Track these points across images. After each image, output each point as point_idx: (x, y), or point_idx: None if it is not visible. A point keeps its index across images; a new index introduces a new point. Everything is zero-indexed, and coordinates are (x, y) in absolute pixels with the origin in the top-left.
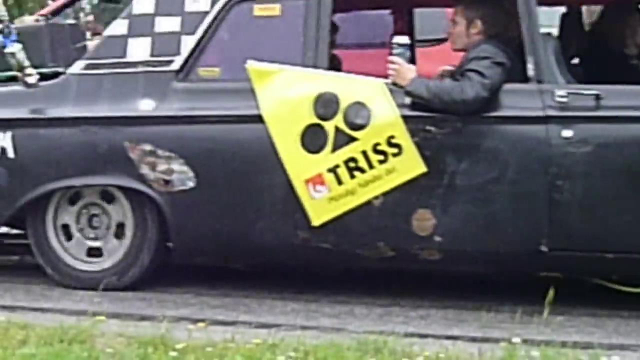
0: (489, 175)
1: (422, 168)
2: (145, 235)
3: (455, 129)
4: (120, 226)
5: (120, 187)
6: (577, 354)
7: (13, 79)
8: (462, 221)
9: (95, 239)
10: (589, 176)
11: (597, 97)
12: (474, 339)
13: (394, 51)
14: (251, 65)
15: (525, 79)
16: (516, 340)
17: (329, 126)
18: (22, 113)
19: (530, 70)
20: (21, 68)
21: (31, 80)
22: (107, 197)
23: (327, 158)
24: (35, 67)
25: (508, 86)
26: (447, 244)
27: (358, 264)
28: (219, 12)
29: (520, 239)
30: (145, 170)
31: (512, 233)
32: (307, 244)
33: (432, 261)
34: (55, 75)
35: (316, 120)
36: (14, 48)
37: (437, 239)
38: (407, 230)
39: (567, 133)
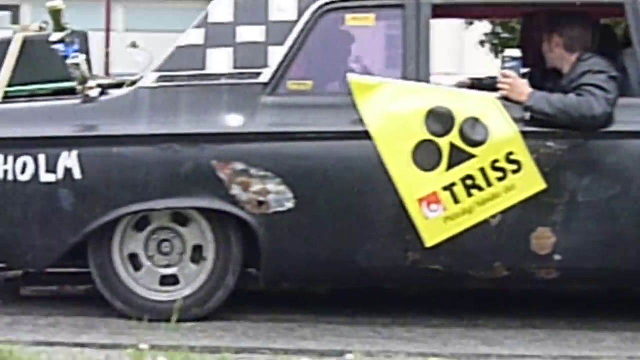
0: (612, 191)
1: (541, 185)
2: (229, 257)
3: (576, 144)
4: (197, 249)
5: (202, 209)
6: (205, 358)
7: (57, 92)
8: (583, 239)
9: (168, 265)
10: None
11: None
12: (103, 346)
13: (506, 64)
14: (353, 78)
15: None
16: (144, 346)
17: (444, 142)
18: (89, 130)
19: None
20: (84, 80)
21: (93, 93)
22: (180, 219)
23: (442, 176)
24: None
25: (624, 100)
26: (566, 262)
27: (467, 285)
28: (307, 22)
29: None
30: (236, 190)
31: (636, 250)
32: (416, 265)
33: (547, 280)
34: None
35: (429, 137)
36: (78, 59)
37: (557, 257)
38: (526, 249)
39: None
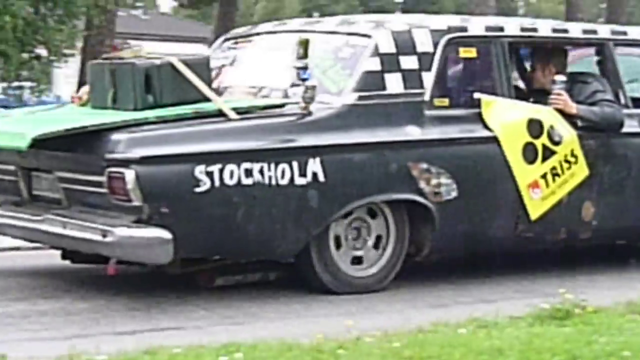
0: (623, 173)
1: (586, 172)
2: (402, 246)
3: (604, 142)
4: (378, 238)
5: (395, 201)
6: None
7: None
8: (609, 208)
9: (358, 249)
10: None
11: None
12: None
13: (557, 86)
14: (480, 96)
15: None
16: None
17: (539, 143)
18: (329, 140)
19: (625, 99)
20: (311, 100)
21: (306, 110)
22: (371, 213)
23: (539, 167)
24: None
25: (625, 111)
26: (599, 225)
27: (540, 247)
28: (441, 54)
29: None
30: (422, 184)
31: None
32: (521, 234)
33: (584, 239)
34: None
35: (530, 139)
36: (314, 81)
37: (594, 222)
38: (578, 218)
39: None
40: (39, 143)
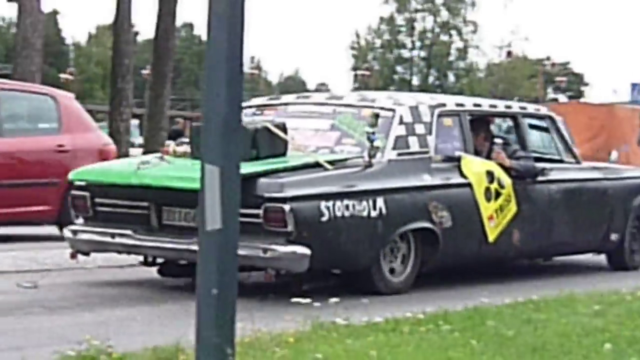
0: (539, 207)
1: (515, 208)
2: (418, 262)
3: (525, 187)
4: (403, 256)
5: (415, 229)
6: None
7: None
8: (528, 233)
9: (392, 262)
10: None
11: None
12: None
13: (497, 147)
14: (460, 154)
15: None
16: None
17: (492, 187)
18: (387, 184)
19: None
20: (374, 156)
21: (370, 163)
22: (401, 237)
23: (493, 204)
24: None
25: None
26: (522, 246)
27: (492, 262)
28: (436, 123)
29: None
30: (434, 217)
31: (549, 234)
32: (482, 253)
33: (511, 257)
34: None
35: (488, 185)
36: (379, 142)
37: (518, 244)
38: (510, 241)
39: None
40: None
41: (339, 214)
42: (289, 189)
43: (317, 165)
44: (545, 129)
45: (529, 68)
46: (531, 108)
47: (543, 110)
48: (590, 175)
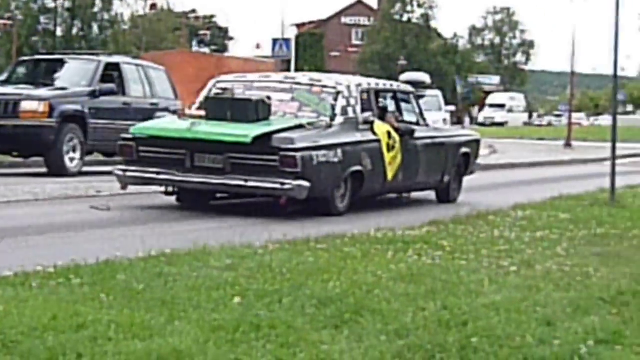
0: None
1: (400, 157)
2: (351, 194)
3: (406, 142)
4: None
5: (352, 172)
6: None
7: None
8: (405, 174)
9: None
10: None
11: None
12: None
13: (389, 114)
14: (373, 119)
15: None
16: None
17: (390, 143)
18: (343, 139)
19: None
20: (333, 119)
21: (330, 125)
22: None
23: (391, 154)
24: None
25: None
26: (402, 182)
27: (391, 193)
28: (360, 97)
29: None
30: (363, 162)
31: (416, 176)
32: (385, 186)
33: (398, 189)
34: None
35: (388, 141)
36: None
37: (401, 181)
38: (397, 179)
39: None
40: None
41: (322, 160)
42: (298, 142)
43: (300, 126)
44: (409, 101)
45: (173, 21)
46: (402, 87)
47: (409, 88)
48: (436, 134)
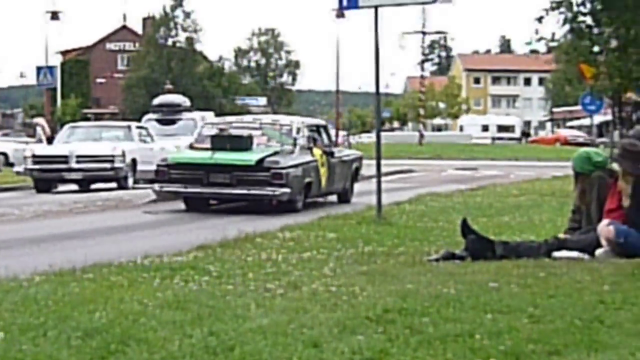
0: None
1: (326, 170)
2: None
3: (328, 160)
4: None
5: None
6: None
7: None
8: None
9: None
10: None
11: None
12: None
13: (318, 141)
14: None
15: None
16: None
17: (322, 161)
18: (302, 160)
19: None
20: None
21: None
22: None
23: (323, 169)
24: None
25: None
26: (327, 189)
27: (325, 197)
28: (307, 131)
29: None
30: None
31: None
32: (320, 192)
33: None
34: None
35: (322, 160)
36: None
37: (327, 188)
38: (326, 187)
39: None
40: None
41: (294, 174)
42: (282, 163)
43: (277, 152)
44: (325, 132)
45: None
46: (321, 122)
47: (323, 122)
48: (342, 154)
